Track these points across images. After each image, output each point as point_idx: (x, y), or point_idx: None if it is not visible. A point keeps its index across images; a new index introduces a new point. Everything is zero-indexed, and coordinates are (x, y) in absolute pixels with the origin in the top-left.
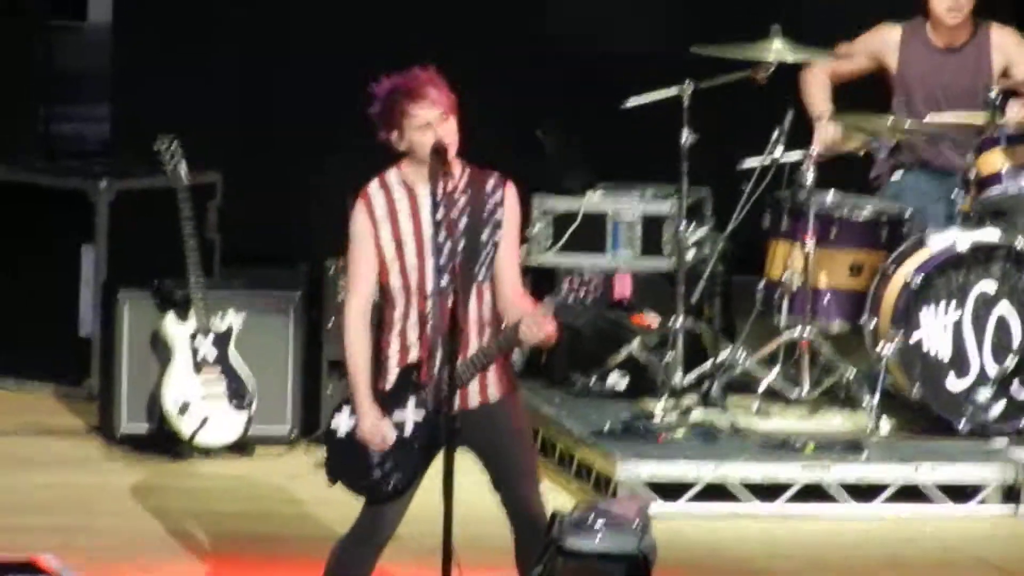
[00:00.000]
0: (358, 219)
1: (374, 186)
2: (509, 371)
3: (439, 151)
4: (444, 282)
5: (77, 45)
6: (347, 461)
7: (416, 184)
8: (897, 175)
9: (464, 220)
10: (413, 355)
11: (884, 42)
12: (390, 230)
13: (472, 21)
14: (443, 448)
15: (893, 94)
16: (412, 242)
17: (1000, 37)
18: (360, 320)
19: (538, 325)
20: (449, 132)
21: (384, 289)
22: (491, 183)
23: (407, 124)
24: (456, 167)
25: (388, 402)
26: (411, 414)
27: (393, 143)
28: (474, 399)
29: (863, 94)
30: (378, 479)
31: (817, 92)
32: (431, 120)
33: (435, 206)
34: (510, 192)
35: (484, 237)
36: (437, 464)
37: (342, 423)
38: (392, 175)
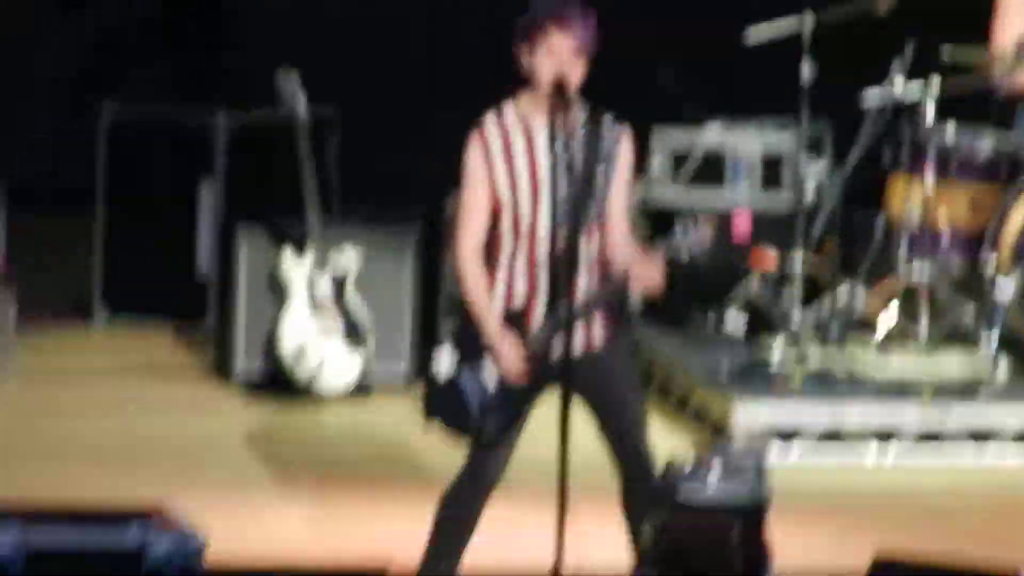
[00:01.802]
0: (472, 155)
1: (490, 120)
2: (617, 317)
3: (559, 86)
4: (557, 221)
5: None
6: (447, 403)
7: (533, 119)
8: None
9: (579, 159)
10: (520, 296)
11: None
12: (505, 168)
13: None
14: (556, 392)
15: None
16: (527, 179)
17: None
18: (476, 258)
19: (648, 272)
20: (575, 70)
21: (494, 227)
22: (608, 122)
23: (539, 43)
24: (574, 105)
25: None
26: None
27: (520, 57)
28: (579, 344)
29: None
30: (477, 422)
31: None
32: (562, 49)
33: (552, 142)
34: (626, 135)
35: (598, 176)
36: (550, 409)
37: (443, 362)
38: (509, 109)
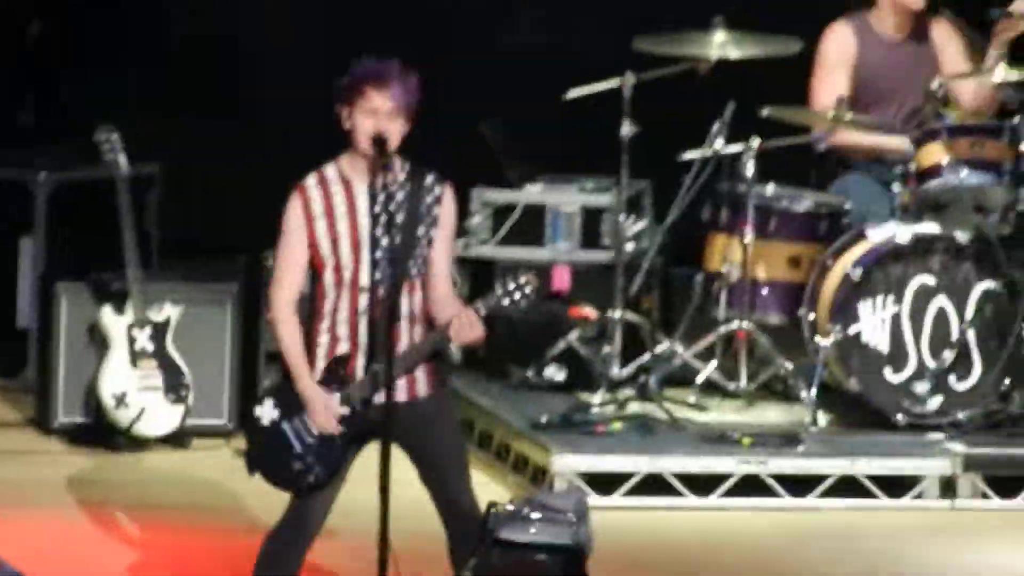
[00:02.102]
0: (292, 212)
1: (311, 180)
2: (438, 368)
3: (378, 141)
4: (377, 276)
5: None
6: (269, 452)
7: (353, 178)
8: (843, 174)
9: (401, 215)
10: (343, 348)
11: (845, 43)
12: (326, 226)
13: (415, 15)
14: (378, 440)
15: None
16: (348, 237)
17: (940, 28)
18: (289, 310)
19: (468, 327)
20: (394, 130)
21: (317, 282)
22: (430, 180)
23: (358, 104)
24: (396, 163)
25: None
26: (336, 407)
27: (342, 120)
28: (402, 395)
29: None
30: (299, 471)
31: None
32: (380, 109)
33: (372, 200)
34: (448, 192)
35: (419, 233)
36: (371, 456)
37: (265, 413)
38: (330, 170)
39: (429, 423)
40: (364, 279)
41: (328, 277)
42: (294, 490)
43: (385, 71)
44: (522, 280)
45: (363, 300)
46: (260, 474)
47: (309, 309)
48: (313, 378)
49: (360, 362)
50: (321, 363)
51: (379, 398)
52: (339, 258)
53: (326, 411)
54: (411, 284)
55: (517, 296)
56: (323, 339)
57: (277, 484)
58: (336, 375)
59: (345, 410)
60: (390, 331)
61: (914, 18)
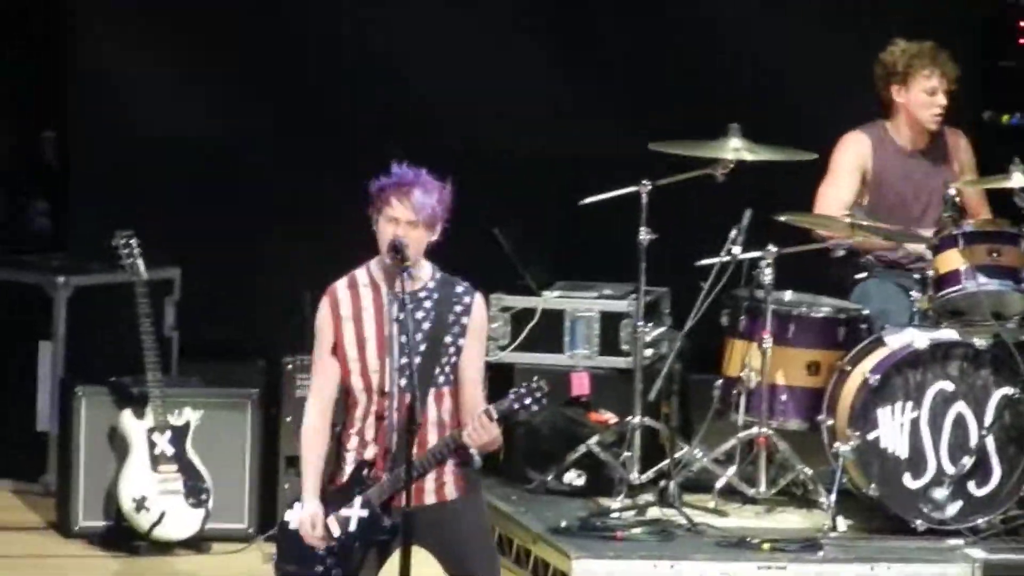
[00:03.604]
0: (321, 316)
1: (341, 284)
2: (469, 471)
3: (396, 248)
4: (402, 383)
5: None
6: (294, 554)
7: (382, 283)
8: (861, 280)
9: (428, 323)
10: (369, 453)
11: (860, 153)
12: (353, 330)
13: (426, 121)
14: (399, 545)
15: (859, 197)
16: (374, 341)
17: (954, 139)
18: (318, 418)
19: (482, 431)
20: (415, 238)
21: (347, 388)
22: (460, 289)
23: (383, 211)
24: (425, 271)
25: (338, 498)
26: (356, 511)
27: (372, 222)
28: (430, 497)
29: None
30: (321, 572)
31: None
32: (401, 218)
33: (397, 304)
34: (478, 301)
35: (447, 340)
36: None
37: (294, 517)
38: (361, 274)
39: (457, 524)
40: (391, 384)
41: (356, 382)
42: None
43: (409, 181)
44: (534, 385)
45: (392, 404)
46: (289, 571)
47: (342, 416)
48: (336, 484)
49: (385, 466)
50: (349, 468)
51: (400, 502)
52: (366, 362)
53: (307, 520)
54: (439, 392)
55: (529, 400)
56: (352, 443)
57: None
58: (360, 478)
59: (364, 513)
60: (410, 437)
61: (930, 131)
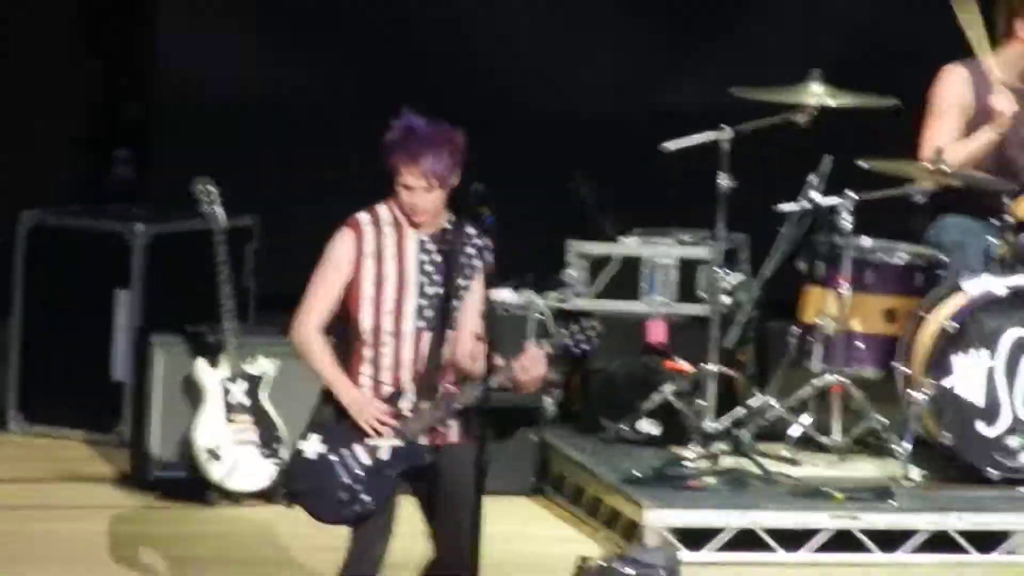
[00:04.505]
0: (343, 246)
1: (365, 219)
2: (469, 420)
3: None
4: (420, 324)
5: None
6: (313, 485)
7: (405, 224)
8: (939, 219)
9: (445, 266)
10: (385, 392)
11: (962, 86)
12: (374, 268)
13: (508, 71)
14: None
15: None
16: (394, 282)
17: None
18: (319, 335)
19: (533, 363)
20: (429, 201)
21: (352, 326)
22: (472, 232)
23: (395, 175)
24: (443, 217)
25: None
26: (387, 440)
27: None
28: (453, 436)
29: (894, 139)
30: (344, 501)
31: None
32: (415, 186)
33: (421, 246)
34: (488, 248)
35: (460, 283)
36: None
37: (309, 448)
38: (383, 210)
39: (452, 468)
40: (407, 324)
41: (366, 320)
42: (339, 520)
43: (418, 146)
44: (587, 324)
45: (406, 347)
46: (303, 507)
47: (345, 354)
48: (352, 385)
49: (403, 406)
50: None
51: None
52: (382, 300)
53: (369, 408)
54: (452, 334)
55: (582, 339)
56: (365, 381)
57: (321, 517)
58: (391, 407)
59: (398, 442)
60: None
61: None
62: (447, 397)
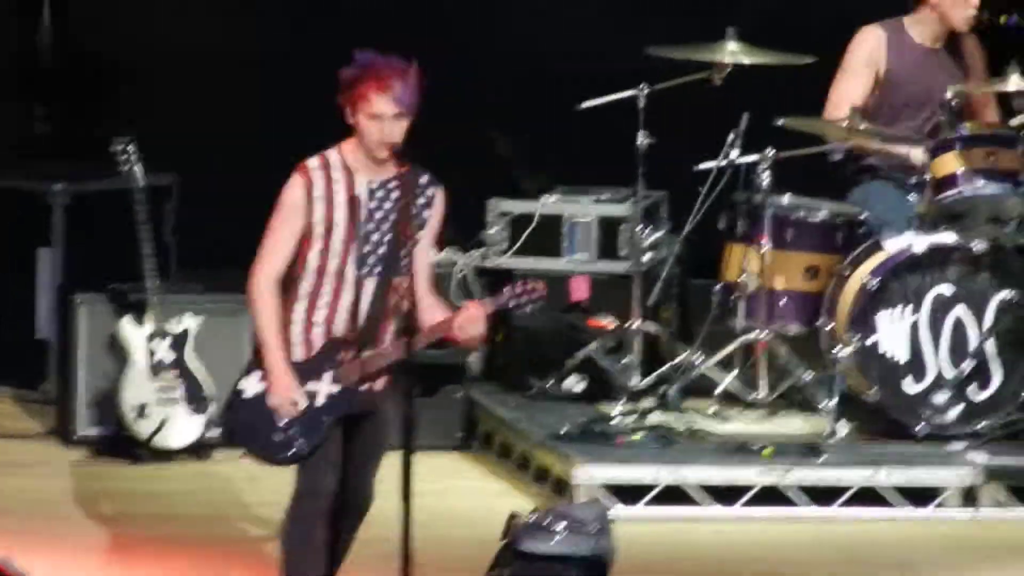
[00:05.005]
0: (294, 193)
1: (315, 163)
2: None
3: (395, 151)
4: (365, 270)
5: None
6: (251, 424)
7: (356, 168)
8: (862, 184)
9: (394, 213)
10: (317, 333)
11: (876, 47)
12: (324, 210)
13: (427, 24)
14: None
15: (871, 95)
16: (343, 227)
17: (969, 41)
18: (272, 288)
19: (472, 321)
20: (398, 131)
21: (297, 263)
22: (423, 181)
23: (362, 106)
24: (394, 164)
25: (304, 372)
26: (325, 386)
27: (346, 114)
28: (380, 384)
29: (810, 96)
30: (280, 442)
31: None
32: (384, 113)
33: (371, 194)
34: (440, 195)
35: (409, 231)
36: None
37: (249, 387)
38: (333, 155)
39: (376, 414)
40: (351, 271)
41: (312, 261)
42: (274, 461)
43: (387, 72)
44: (531, 286)
45: (347, 291)
46: (240, 445)
47: (285, 287)
48: (283, 358)
49: (340, 351)
50: (296, 342)
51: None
52: (330, 245)
53: (286, 393)
54: (399, 281)
55: (524, 300)
56: (298, 318)
57: (257, 454)
58: (332, 356)
59: (334, 389)
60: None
61: (951, 31)
62: (385, 348)
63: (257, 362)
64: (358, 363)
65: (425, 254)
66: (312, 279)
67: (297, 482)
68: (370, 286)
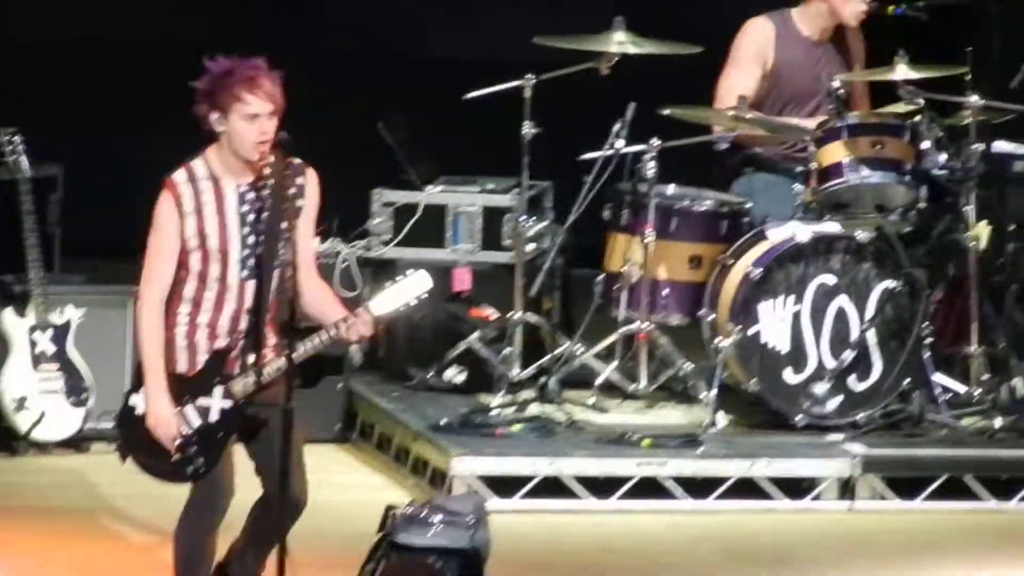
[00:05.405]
0: (164, 210)
1: (181, 177)
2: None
3: (283, 144)
4: (244, 274)
5: None
6: (146, 440)
7: (222, 176)
8: (746, 175)
9: (266, 212)
10: (201, 336)
11: (763, 40)
12: (196, 223)
13: (313, 16)
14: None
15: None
16: (216, 235)
17: (852, 32)
18: (157, 308)
19: (362, 324)
20: (272, 127)
21: (180, 269)
22: (292, 170)
23: (235, 109)
24: (267, 157)
25: (193, 387)
26: (217, 402)
27: (212, 123)
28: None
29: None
30: (177, 461)
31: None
32: (261, 112)
33: (240, 199)
34: (311, 177)
35: (283, 226)
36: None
37: (140, 403)
38: (199, 166)
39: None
40: (232, 277)
41: (193, 267)
42: (174, 479)
43: (253, 72)
44: (419, 274)
45: (230, 296)
46: (137, 464)
47: (171, 292)
48: (162, 389)
49: (238, 356)
50: (180, 340)
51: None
52: (207, 254)
53: (164, 419)
54: (283, 272)
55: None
56: (182, 319)
57: (156, 474)
58: (216, 368)
59: (226, 404)
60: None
61: (837, 24)
62: (269, 357)
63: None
64: (246, 376)
65: (306, 240)
66: (194, 283)
67: (193, 494)
68: (252, 288)
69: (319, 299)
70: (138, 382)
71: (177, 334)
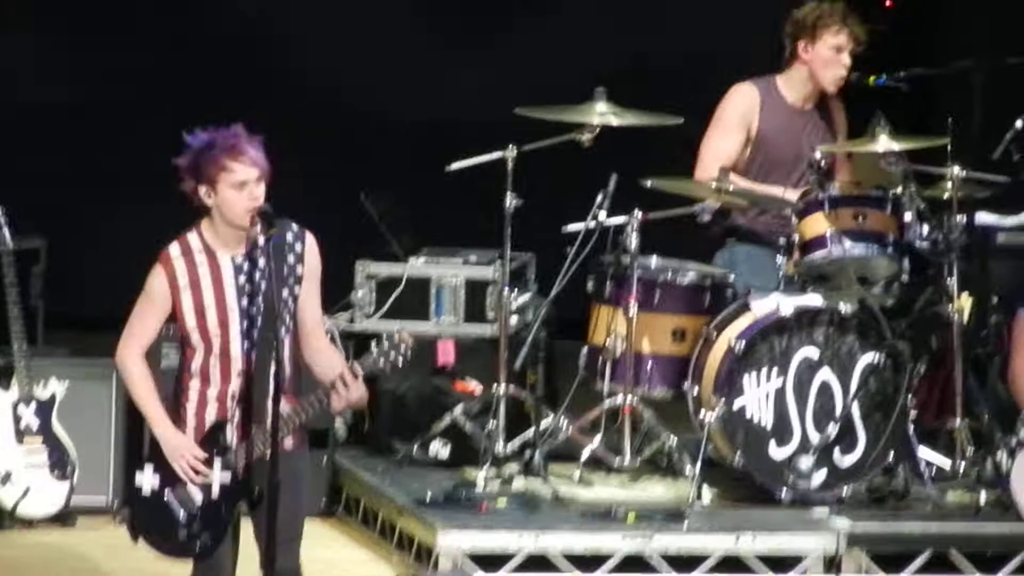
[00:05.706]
0: (156, 282)
1: (175, 251)
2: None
3: (265, 215)
4: (247, 345)
5: None
6: (153, 522)
7: (217, 248)
8: (728, 246)
9: (264, 281)
10: (211, 408)
11: (750, 106)
12: (192, 298)
13: (297, 86)
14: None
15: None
16: (214, 309)
17: (835, 102)
18: (140, 362)
19: (348, 389)
20: (261, 192)
21: (183, 340)
22: (290, 237)
23: (222, 179)
24: (256, 227)
25: None
26: (218, 475)
27: (200, 196)
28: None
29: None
30: (186, 539)
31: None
32: (248, 179)
33: (237, 270)
34: (310, 242)
35: (284, 294)
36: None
37: (145, 481)
38: (193, 239)
39: (286, 474)
40: (234, 349)
41: (196, 341)
42: (184, 556)
43: (235, 140)
44: (397, 339)
45: (234, 368)
46: (146, 543)
47: (179, 362)
48: (169, 424)
49: (232, 428)
50: (191, 420)
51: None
52: (207, 329)
53: (184, 455)
54: (281, 344)
55: (393, 355)
56: (193, 394)
57: (165, 553)
58: (216, 441)
59: (227, 477)
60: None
61: (821, 92)
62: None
63: (151, 449)
64: (245, 447)
65: (312, 306)
66: (201, 355)
67: (195, 570)
68: (255, 359)
69: (331, 363)
70: (141, 460)
71: (188, 410)
